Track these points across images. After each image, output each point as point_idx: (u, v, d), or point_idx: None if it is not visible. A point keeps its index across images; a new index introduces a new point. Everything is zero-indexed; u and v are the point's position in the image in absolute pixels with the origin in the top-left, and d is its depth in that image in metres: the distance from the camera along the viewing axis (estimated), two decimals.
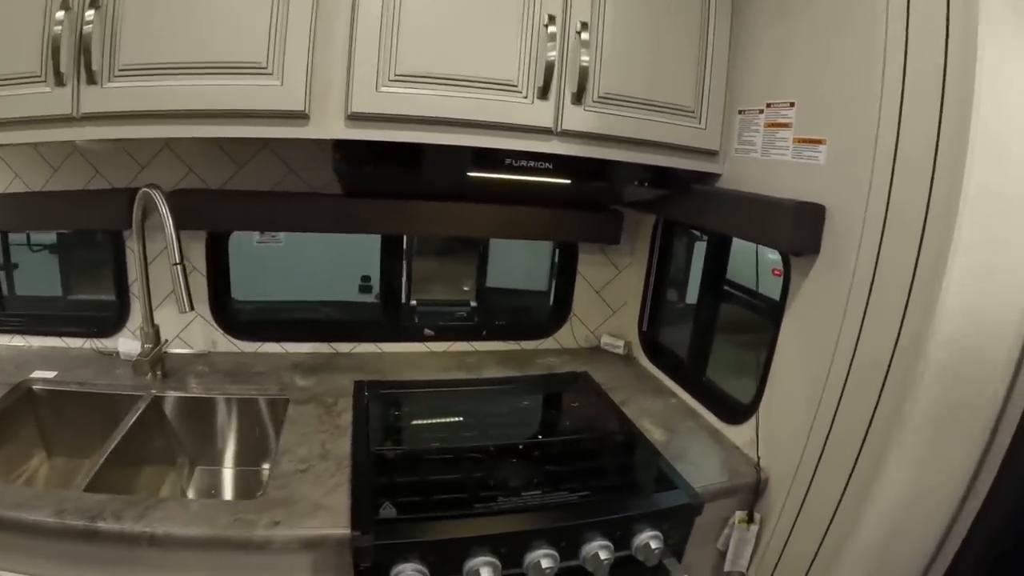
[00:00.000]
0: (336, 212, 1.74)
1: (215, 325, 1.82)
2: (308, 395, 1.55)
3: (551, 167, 1.40)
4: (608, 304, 2.05)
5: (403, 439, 1.44)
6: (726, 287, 1.74)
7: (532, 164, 1.39)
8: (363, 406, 1.50)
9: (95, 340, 1.80)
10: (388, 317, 1.96)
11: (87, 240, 3.92)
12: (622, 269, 1.98)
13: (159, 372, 1.66)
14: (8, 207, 1.68)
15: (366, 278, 4.48)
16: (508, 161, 1.37)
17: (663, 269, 1.92)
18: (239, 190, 1.66)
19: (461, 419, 1.56)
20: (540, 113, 1.35)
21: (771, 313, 1.41)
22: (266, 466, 1.67)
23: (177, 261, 1.42)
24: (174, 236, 1.42)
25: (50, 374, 1.65)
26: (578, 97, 1.35)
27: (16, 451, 1.57)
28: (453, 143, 1.32)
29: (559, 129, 1.36)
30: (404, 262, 1.99)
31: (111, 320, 1.78)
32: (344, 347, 1.91)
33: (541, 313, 2.11)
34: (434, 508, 1.13)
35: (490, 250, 4.53)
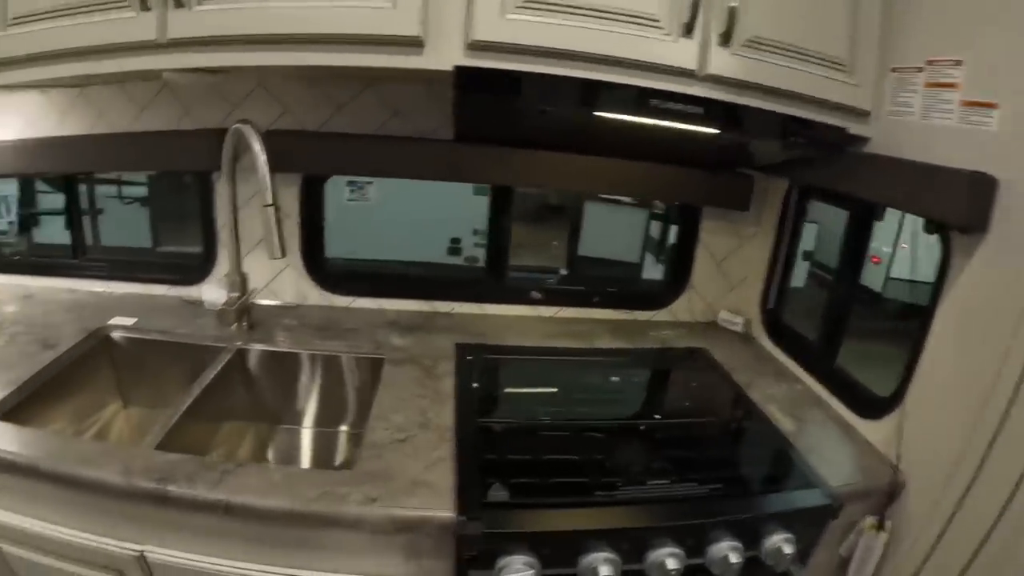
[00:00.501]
0: (447, 158, 1.60)
1: (307, 276, 1.71)
2: (405, 356, 1.44)
3: (701, 113, 1.21)
4: (728, 277, 1.85)
5: (512, 411, 1.33)
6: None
7: (678, 108, 1.20)
8: (466, 371, 1.38)
9: (179, 288, 1.73)
10: (493, 277, 1.81)
11: (177, 193, 4.03)
12: (746, 240, 1.78)
13: (244, 323, 1.58)
14: (92, 147, 1.61)
15: (455, 240, 4.39)
16: (653, 103, 1.19)
17: (793, 242, 1.71)
18: (339, 132, 1.55)
19: (573, 392, 1.44)
20: (682, 53, 1.15)
21: (913, 300, 1.22)
22: (343, 427, 1.59)
23: (270, 202, 1.31)
24: (268, 175, 1.31)
25: (129, 321, 1.60)
26: (725, 38, 1.17)
27: (90, 399, 1.52)
28: (586, 76, 1.15)
29: (704, 72, 1.18)
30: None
31: (196, 267, 1.72)
32: (444, 306, 1.77)
33: (633, 285, 1.94)
34: (549, 493, 1.03)
35: (583, 218, 4.40)
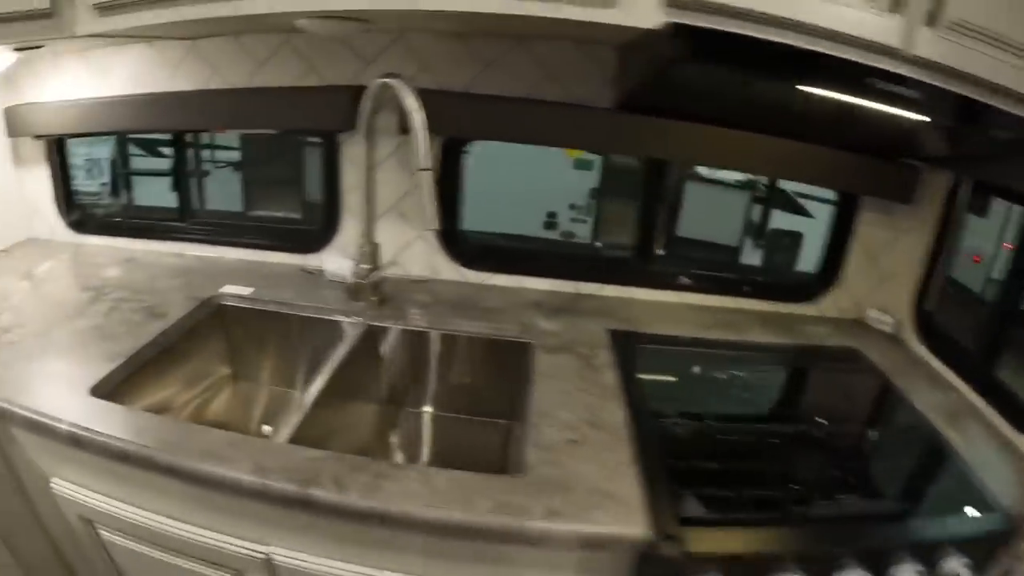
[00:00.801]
0: (606, 128, 1.39)
1: (440, 249, 1.54)
2: (558, 343, 1.27)
3: (917, 97, 1.01)
4: (879, 273, 1.61)
5: (683, 410, 1.17)
6: None
7: (898, 90, 1.00)
8: (627, 363, 1.23)
9: (295, 256, 1.60)
10: (640, 259, 1.61)
11: (271, 158, 3.93)
12: (901, 234, 1.59)
13: (374, 298, 1.39)
14: (208, 103, 1.46)
15: (551, 214, 4.19)
16: (871, 82, 0.99)
17: (953, 240, 1.50)
18: (487, 94, 1.37)
19: (738, 391, 1.31)
20: (887, 28, 0.96)
21: None
22: (486, 417, 1.41)
23: (427, 166, 1.11)
24: (426, 136, 1.10)
25: (245, 290, 1.43)
26: (931, 19, 0.97)
27: (199, 371, 1.37)
28: (793, 44, 0.96)
29: (910, 52, 0.96)
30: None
31: (316, 235, 1.58)
32: (589, 288, 1.56)
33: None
34: (744, 507, 0.92)
35: (683, 197, 4.14)
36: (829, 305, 1.65)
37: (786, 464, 1.04)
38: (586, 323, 1.39)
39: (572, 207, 4.03)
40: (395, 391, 1.42)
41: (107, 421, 0.96)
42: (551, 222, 4.18)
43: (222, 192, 3.53)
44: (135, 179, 3.57)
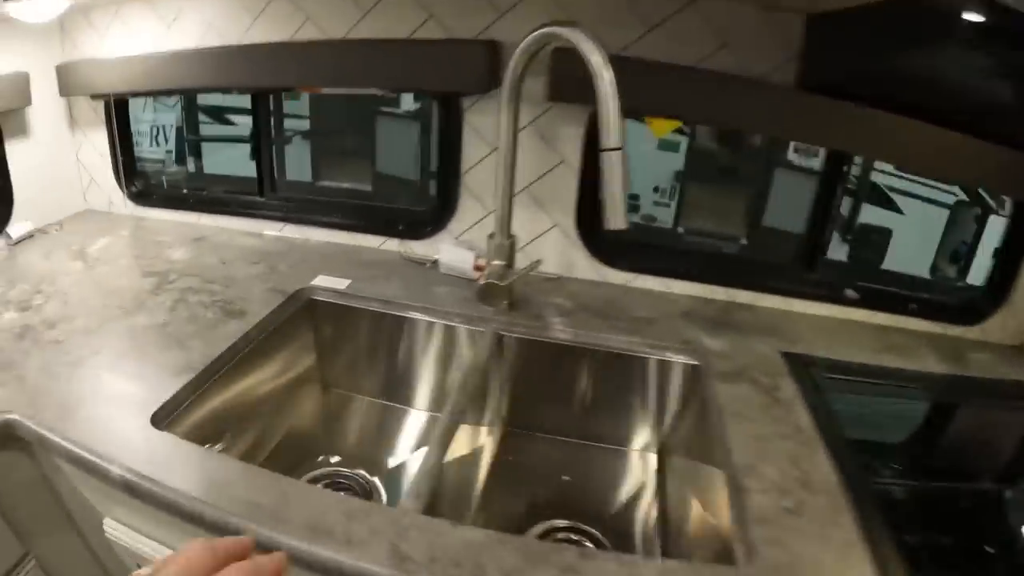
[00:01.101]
0: (785, 109, 1.07)
1: (579, 242, 1.25)
2: (732, 367, 0.99)
3: None
4: None
5: (895, 462, 0.97)
6: None
7: None
8: (815, 397, 0.97)
9: (395, 241, 1.32)
10: (801, 266, 1.29)
11: (343, 127, 3.70)
12: None
13: (505, 300, 1.09)
14: (297, 57, 1.19)
15: (634, 196, 3.86)
16: None
17: None
18: (656, 61, 1.07)
19: (940, 437, 1.09)
20: None
21: None
22: (642, 448, 1.12)
23: (615, 144, 0.80)
24: (616, 105, 0.80)
25: (340, 282, 1.15)
26: None
27: (284, 380, 1.10)
28: None
29: None
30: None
31: (425, 218, 1.30)
32: (743, 296, 1.26)
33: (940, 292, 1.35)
34: None
35: (771, 185, 3.78)
36: (994, 328, 1.32)
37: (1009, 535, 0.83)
38: (753, 342, 1.09)
39: (656, 190, 3.69)
40: (521, 413, 1.15)
41: (173, 464, 0.72)
42: (633, 204, 3.87)
43: (291, 163, 3.29)
44: (205, 148, 3.34)
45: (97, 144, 1.45)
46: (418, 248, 1.30)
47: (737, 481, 0.75)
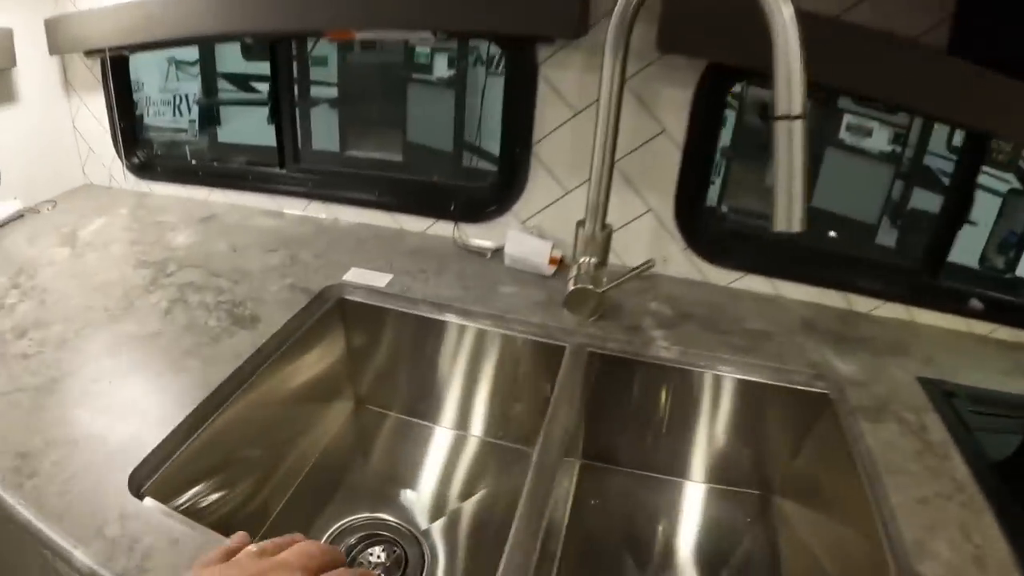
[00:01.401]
0: (932, 77, 0.81)
1: (676, 233, 0.99)
2: (870, 400, 0.77)
3: None
4: None
5: None
6: None
7: None
8: (966, 439, 0.75)
9: (442, 224, 1.08)
10: (927, 271, 1.01)
11: (372, 95, 3.47)
12: None
13: (591, 305, 0.83)
14: None
15: None
16: None
17: None
18: None
19: None
20: None
21: None
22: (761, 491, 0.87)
23: (795, 112, 0.55)
24: (800, 54, 0.54)
25: (381, 278, 0.92)
26: None
27: (310, 401, 0.89)
28: None
29: None
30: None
31: (486, 196, 1.04)
32: (861, 303, 1.01)
33: None
34: None
35: (820, 165, 3.48)
36: None
37: None
38: (885, 364, 0.86)
39: None
40: (602, 443, 0.91)
41: (153, 554, 0.51)
42: None
43: (318, 133, 3.08)
44: (225, 115, 3.12)
45: (95, 110, 1.24)
46: (473, 233, 1.05)
47: (908, 565, 0.57)
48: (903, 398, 0.78)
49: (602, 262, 0.80)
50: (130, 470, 0.58)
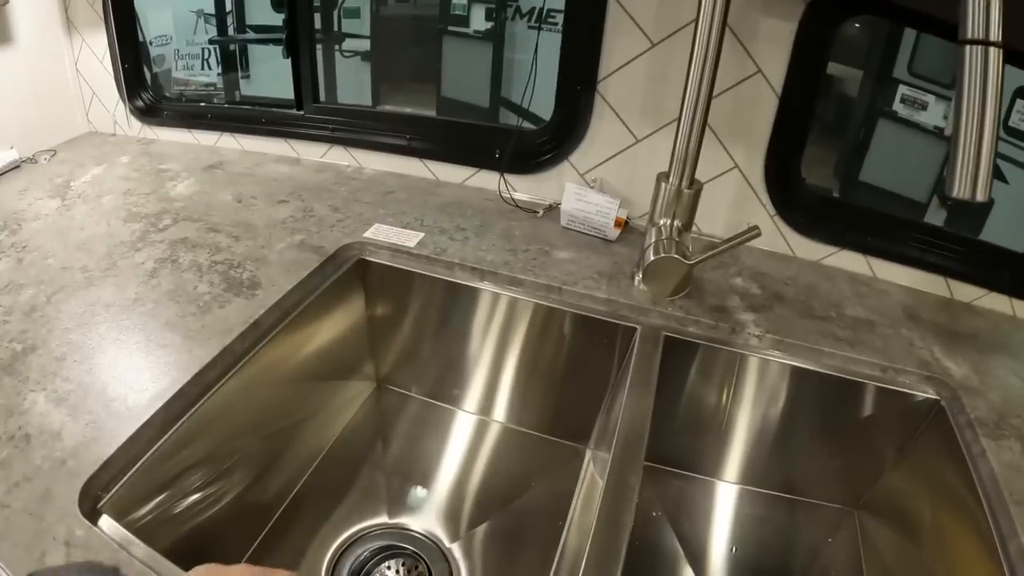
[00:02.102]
0: None
1: (765, 195, 0.82)
2: (988, 410, 0.62)
3: None
4: None
5: None
6: None
7: None
8: None
9: (486, 174, 0.92)
10: None
11: (406, 48, 3.35)
12: None
13: (682, 285, 0.65)
14: None
15: None
16: None
17: None
18: None
19: None
20: None
21: None
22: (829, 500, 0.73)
23: (996, 37, 0.39)
24: None
25: (410, 236, 0.76)
26: None
27: (321, 377, 0.74)
28: None
29: None
30: None
31: (538, 142, 0.86)
32: (964, 292, 0.84)
33: None
34: None
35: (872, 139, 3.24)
36: None
37: None
38: (997, 366, 0.70)
39: None
40: (667, 444, 0.76)
41: None
42: None
43: (348, 87, 2.99)
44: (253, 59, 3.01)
45: (98, 51, 1.11)
46: (521, 186, 0.88)
47: None
48: (1020, 409, 0.63)
49: (686, 226, 0.63)
50: (84, 479, 0.45)
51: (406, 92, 3.22)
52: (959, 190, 0.42)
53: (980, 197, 0.42)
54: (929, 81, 2.39)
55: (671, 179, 0.63)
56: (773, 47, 0.73)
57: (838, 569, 0.69)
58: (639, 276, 0.67)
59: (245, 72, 2.77)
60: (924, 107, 2.63)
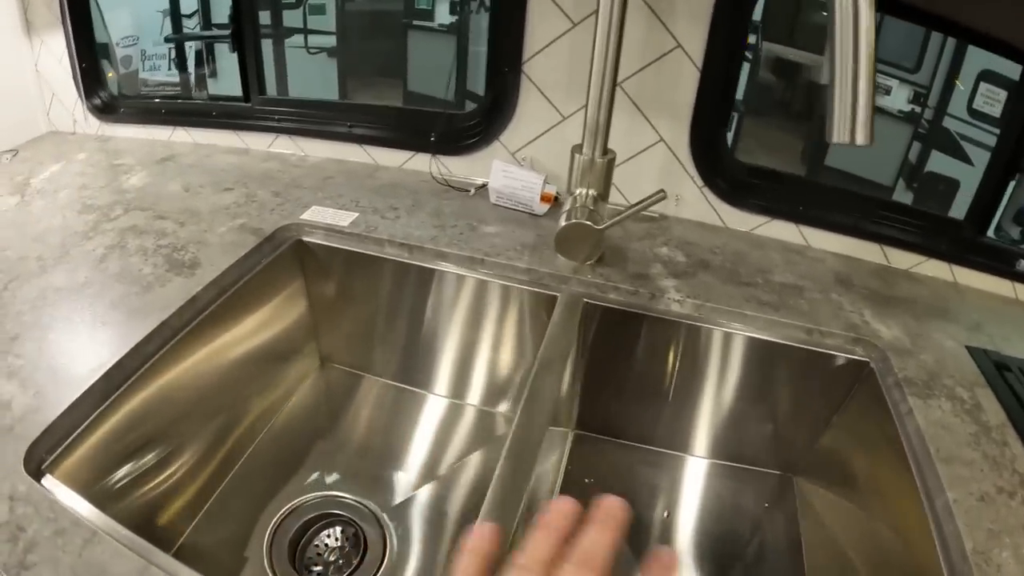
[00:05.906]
0: None
1: (692, 167, 0.86)
2: (918, 371, 0.65)
3: None
4: None
5: None
6: None
7: None
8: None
9: (420, 157, 0.96)
10: (973, 227, 0.89)
11: (371, 43, 3.30)
12: None
13: (596, 251, 0.70)
14: None
15: None
16: None
17: None
18: None
19: None
20: None
21: None
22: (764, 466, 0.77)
23: None
24: None
25: (344, 216, 0.81)
26: None
27: (260, 350, 0.77)
28: None
29: None
30: None
31: (469, 124, 0.91)
32: (900, 258, 0.88)
33: None
34: None
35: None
36: None
37: None
38: (930, 329, 0.74)
39: None
40: (599, 412, 0.80)
41: (44, 543, 0.42)
42: None
43: (313, 83, 2.96)
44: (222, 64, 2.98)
45: (57, 51, 1.13)
46: (455, 167, 0.93)
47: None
48: (953, 370, 0.67)
49: (602, 195, 0.67)
50: (29, 442, 0.48)
51: (375, 87, 3.20)
52: (839, 135, 0.43)
53: (861, 141, 0.43)
54: (891, 65, 2.43)
55: (584, 150, 0.67)
56: (691, 22, 0.76)
57: (775, 532, 0.73)
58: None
59: (212, 70, 2.76)
60: (888, 92, 2.64)
